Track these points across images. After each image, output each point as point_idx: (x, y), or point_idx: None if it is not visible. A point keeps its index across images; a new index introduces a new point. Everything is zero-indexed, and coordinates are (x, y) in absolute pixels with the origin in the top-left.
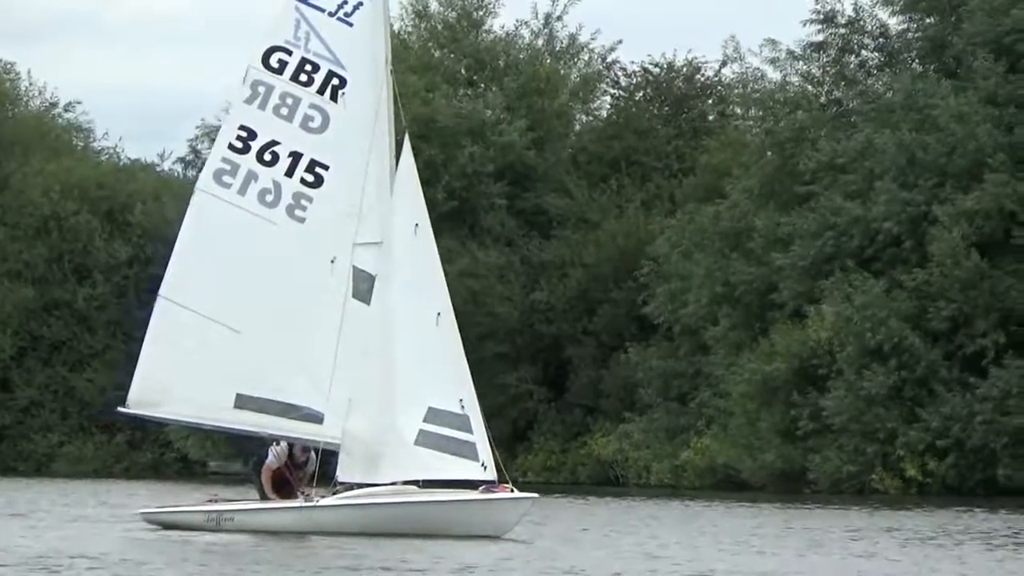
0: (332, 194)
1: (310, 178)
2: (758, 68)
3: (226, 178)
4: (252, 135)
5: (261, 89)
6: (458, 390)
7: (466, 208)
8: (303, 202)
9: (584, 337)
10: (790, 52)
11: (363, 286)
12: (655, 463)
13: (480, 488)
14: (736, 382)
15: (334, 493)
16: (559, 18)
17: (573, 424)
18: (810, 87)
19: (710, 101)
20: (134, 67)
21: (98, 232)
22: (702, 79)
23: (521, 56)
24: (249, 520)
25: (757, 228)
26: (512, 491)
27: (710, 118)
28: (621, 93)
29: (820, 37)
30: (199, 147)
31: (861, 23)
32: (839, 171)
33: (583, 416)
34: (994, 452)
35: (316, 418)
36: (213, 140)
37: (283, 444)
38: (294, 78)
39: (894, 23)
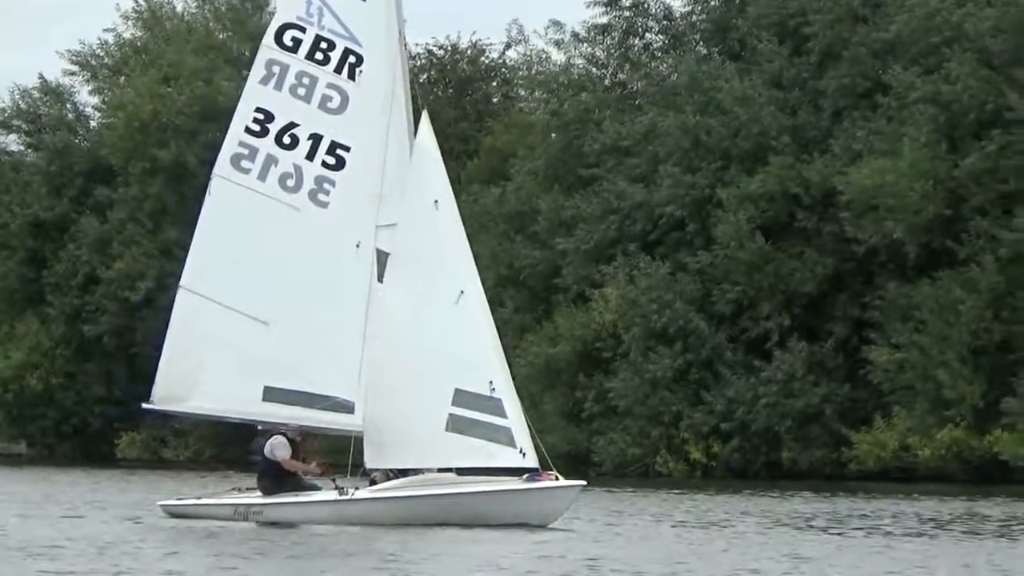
0: (354, 176)
1: (331, 161)
2: (543, 50)
3: (244, 163)
4: (269, 117)
5: (276, 69)
6: (488, 372)
7: None
8: (326, 186)
9: None
10: (575, 34)
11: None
12: None
13: (524, 476)
14: (520, 365)
15: (371, 483)
16: None
17: None
18: (595, 69)
19: (495, 83)
20: None
21: None
22: (487, 61)
23: None
24: (280, 514)
25: (542, 211)
26: (557, 479)
27: (495, 100)
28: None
29: (604, 19)
30: None
31: (645, 6)
32: (624, 154)
33: None
34: (778, 435)
35: (346, 407)
36: None
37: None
38: (310, 56)
39: (678, 5)
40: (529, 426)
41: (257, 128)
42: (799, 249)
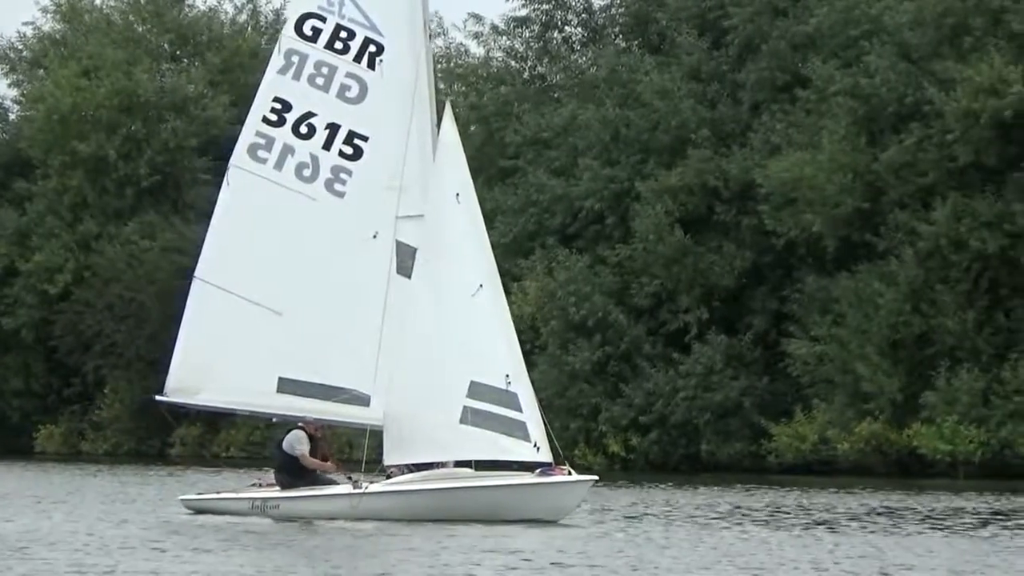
0: (372, 166)
1: (349, 150)
2: (462, 43)
3: (261, 152)
4: (287, 107)
5: (295, 59)
6: (503, 365)
7: (170, 182)
8: (342, 175)
9: None
10: (494, 27)
11: (407, 261)
12: (359, 438)
13: (536, 471)
14: None
15: (387, 477)
16: None
17: None
18: (514, 62)
19: None
20: None
21: None
22: None
23: (224, 31)
24: (296, 508)
25: None
26: (570, 473)
27: None
28: None
29: (524, 12)
30: None
31: None
32: (544, 146)
33: None
34: (697, 428)
35: (363, 400)
36: None
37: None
38: (329, 46)
39: None
40: (544, 421)
41: (274, 118)
42: (718, 242)
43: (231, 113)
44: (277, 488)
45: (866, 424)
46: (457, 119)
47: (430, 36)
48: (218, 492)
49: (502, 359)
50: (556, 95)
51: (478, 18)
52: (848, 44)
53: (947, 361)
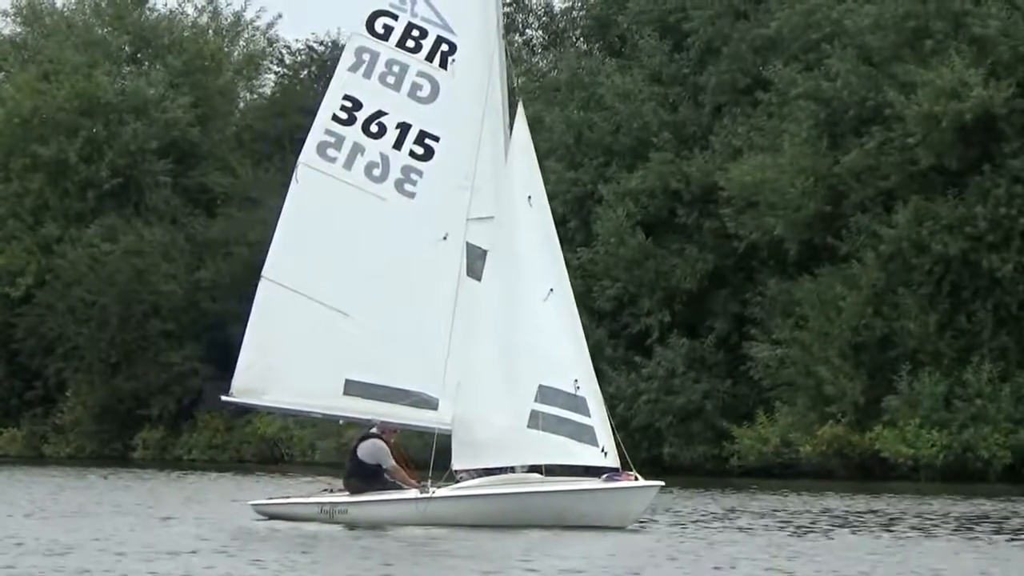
0: (443, 167)
1: (420, 150)
2: None
3: (330, 151)
4: (357, 105)
5: (366, 56)
6: (573, 370)
7: (131, 185)
8: (412, 176)
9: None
10: None
11: (477, 263)
12: (320, 440)
13: (603, 476)
14: None
15: (456, 481)
16: None
17: None
18: None
19: None
20: None
21: None
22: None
23: (185, 34)
24: (364, 513)
25: None
26: (636, 479)
27: None
28: (285, 71)
29: None
30: None
31: (525, 2)
32: None
33: None
34: (660, 431)
35: (430, 403)
36: None
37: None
38: (400, 44)
39: (559, 2)
40: (612, 426)
41: (344, 116)
42: (680, 245)
43: (192, 116)
44: (346, 493)
45: (828, 427)
46: None
47: (504, 35)
48: (288, 497)
49: (571, 363)
50: (518, 98)
51: None
52: (809, 47)
53: (909, 364)
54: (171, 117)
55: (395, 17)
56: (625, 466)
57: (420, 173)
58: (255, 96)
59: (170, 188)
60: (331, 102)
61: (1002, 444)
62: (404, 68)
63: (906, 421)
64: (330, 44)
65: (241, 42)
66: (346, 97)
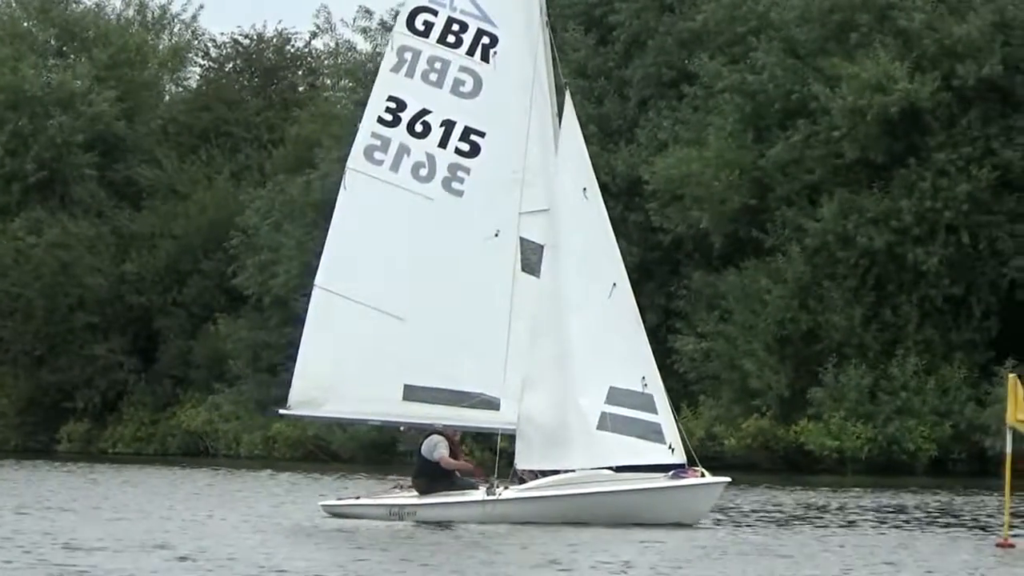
0: (490, 162)
1: (465, 147)
2: (349, 39)
3: (377, 154)
4: (402, 105)
5: (408, 55)
6: (639, 367)
7: (56, 178)
8: (459, 173)
9: (174, 308)
10: (382, 23)
11: (532, 258)
12: (245, 434)
13: (669, 473)
14: None
15: (520, 481)
16: None
17: (163, 395)
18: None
19: (300, 72)
20: None
21: None
22: (292, 50)
23: (111, 26)
24: (431, 514)
25: None
26: (703, 475)
27: (300, 89)
28: (211, 64)
29: None
30: None
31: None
32: None
33: (173, 387)
34: None
35: (492, 404)
36: None
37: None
38: (441, 40)
39: None
40: (677, 422)
41: (389, 118)
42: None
43: (118, 109)
44: (415, 494)
45: (753, 420)
46: (341, 116)
47: (548, 24)
48: (358, 497)
49: (638, 360)
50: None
51: (369, 13)
52: (735, 40)
53: (834, 357)
54: (97, 110)
55: (435, 13)
56: (691, 462)
57: (467, 170)
58: (181, 89)
59: (96, 181)
60: (376, 104)
61: (927, 437)
62: (446, 64)
63: (831, 414)
64: (255, 37)
65: (166, 35)
66: (390, 98)
